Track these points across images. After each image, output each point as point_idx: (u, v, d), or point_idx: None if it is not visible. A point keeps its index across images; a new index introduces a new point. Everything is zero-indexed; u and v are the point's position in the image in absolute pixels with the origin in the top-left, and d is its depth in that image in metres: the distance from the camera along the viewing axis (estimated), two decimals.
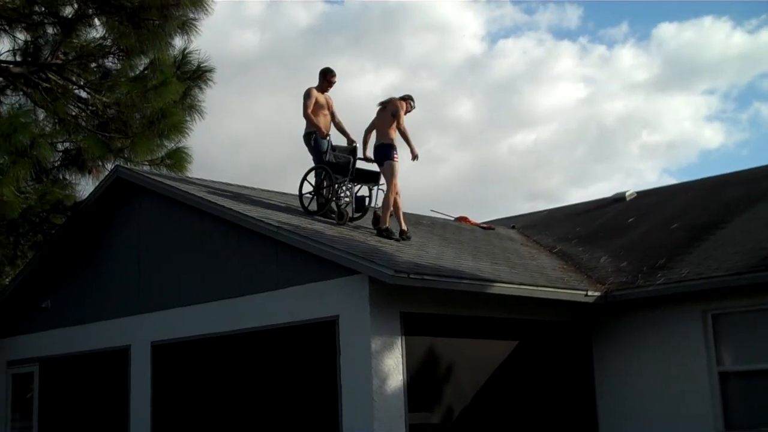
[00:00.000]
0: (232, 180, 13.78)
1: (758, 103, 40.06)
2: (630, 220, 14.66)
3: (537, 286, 10.84)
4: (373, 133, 11.81)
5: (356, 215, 11.91)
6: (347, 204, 11.82)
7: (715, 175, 15.99)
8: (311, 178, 12.07)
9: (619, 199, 16.41)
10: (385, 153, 11.57)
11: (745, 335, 10.82)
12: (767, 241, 11.13)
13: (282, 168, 36.72)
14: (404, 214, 11.88)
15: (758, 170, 15.12)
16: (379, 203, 11.77)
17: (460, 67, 41.57)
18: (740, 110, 40.76)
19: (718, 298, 10.76)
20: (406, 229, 11.49)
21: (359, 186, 12.03)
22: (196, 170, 15.45)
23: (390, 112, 11.65)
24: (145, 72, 15.27)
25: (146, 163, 15.50)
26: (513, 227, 16.23)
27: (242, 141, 39.87)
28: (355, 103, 34.09)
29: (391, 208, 11.42)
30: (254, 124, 39.82)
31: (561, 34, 42.69)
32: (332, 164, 11.80)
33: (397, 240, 11.16)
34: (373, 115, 11.89)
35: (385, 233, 11.20)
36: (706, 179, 16.12)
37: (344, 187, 11.84)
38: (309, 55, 40.90)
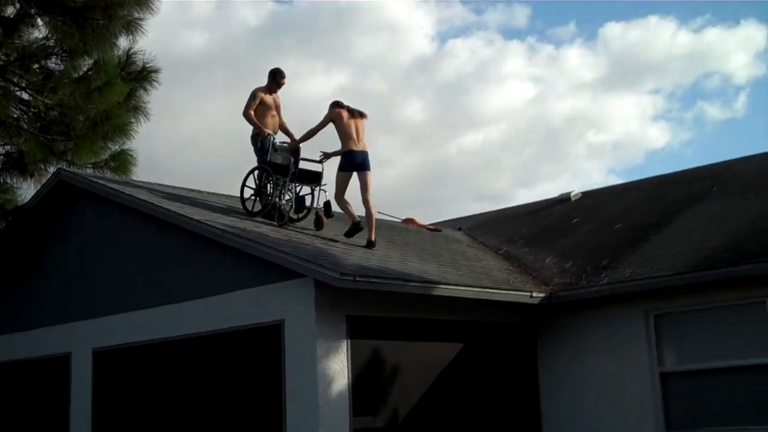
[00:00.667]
0: (180, 182, 13.67)
1: (702, 103, 40.79)
2: (575, 220, 14.80)
3: (482, 287, 10.90)
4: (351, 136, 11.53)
5: (298, 216, 11.88)
6: (289, 205, 11.78)
7: (658, 175, 16.21)
8: (251, 180, 12.02)
9: (564, 199, 16.56)
10: (368, 161, 11.52)
11: (686, 335, 10.97)
12: (708, 241, 11.30)
13: (231, 170, 36.49)
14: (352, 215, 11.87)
15: (700, 170, 15.35)
16: (320, 204, 11.83)
17: (409, 68, 41.71)
18: (685, 110, 41.48)
19: (660, 298, 10.90)
20: (374, 240, 11.43)
21: (301, 186, 11.99)
22: (144, 173, 15.33)
23: (363, 121, 11.59)
24: (89, 73, 15.09)
25: (90, 165, 15.32)
26: (459, 229, 16.30)
27: (191, 142, 39.55)
28: (304, 104, 34.01)
29: (346, 212, 11.51)
30: (203, 125, 39.53)
31: (510, 33, 43.07)
32: (273, 164, 11.75)
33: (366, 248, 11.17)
34: (324, 115, 11.70)
35: (371, 245, 11.22)
36: (649, 179, 16.33)
37: (286, 188, 11.78)
38: (258, 56, 40.77)
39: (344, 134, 11.42)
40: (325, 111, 11.67)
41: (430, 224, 16.23)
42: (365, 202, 11.32)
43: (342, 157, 11.46)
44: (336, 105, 11.62)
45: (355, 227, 11.28)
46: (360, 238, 11.36)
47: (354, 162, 11.37)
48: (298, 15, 42.78)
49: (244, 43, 41.99)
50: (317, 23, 41.39)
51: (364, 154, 11.45)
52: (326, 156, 11.83)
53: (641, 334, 11.06)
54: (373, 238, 11.30)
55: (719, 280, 10.35)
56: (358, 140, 11.44)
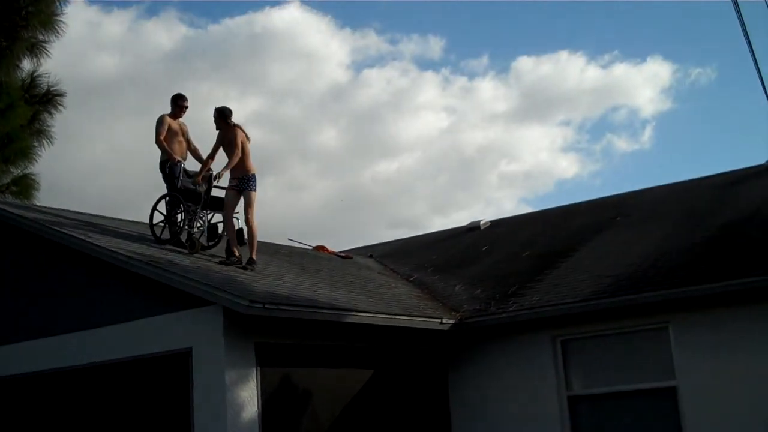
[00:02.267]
0: (87, 208, 13.35)
1: (610, 135, 41.89)
2: (484, 248, 14.99)
3: (392, 314, 10.92)
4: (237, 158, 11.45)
5: (209, 243, 11.71)
6: (201, 233, 11.62)
7: (564, 205, 16.58)
8: (162, 206, 11.81)
9: (473, 228, 16.78)
10: (254, 183, 11.43)
11: (592, 360, 11.18)
12: (612, 269, 11.58)
13: (141, 196, 35.87)
14: (261, 242, 11.76)
15: (604, 200, 15.77)
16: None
17: (324, 96, 41.79)
18: (594, 141, 42.52)
19: (567, 324, 11.09)
20: (255, 258, 11.31)
21: (212, 214, 11.83)
22: (53, 198, 15.00)
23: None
24: None
25: None
26: (371, 256, 16.33)
27: (100, 167, 38.74)
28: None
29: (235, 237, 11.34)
30: (112, 150, 38.76)
31: (424, 65, 43.52)
32: (184, 191, 11.58)
33: (243, 268, 11.01)
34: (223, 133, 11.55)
35: (251, 264, 11.09)
36: (555, 209, 16.69)
37: (197, 215, 11.62)
38: (171, 80, 40.25)
39: (246, 155, 11.37)
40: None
41: (341, 251, 16.22)
42: (251, 220, 11.22)
43: (251, 180, 11.37)
44: (228, 117, 11.45)
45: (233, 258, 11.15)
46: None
47: (255, 184, 11.38)
48: (212, 40, 42.52)
49: (156, 66, 41.49)
50: (232, 49, 41.22)
51: (251, 177, 11.44)
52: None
53: (549, 358, 11.22)
54: (254, 257, 11.20)
55: (623, 306, 10.59)
56: (249, 161, 11.45)
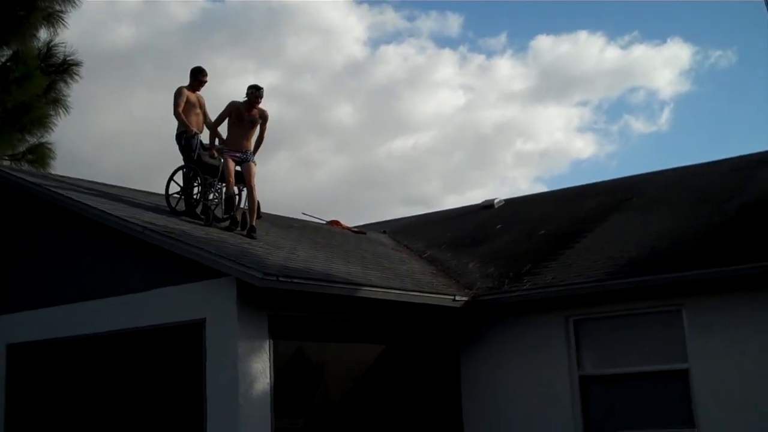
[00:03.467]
0: (104, 178, 13.39)
1: (628, 116, 41.66)
2: (498, 227, 14.97)
3: (406, 290, 10.93)
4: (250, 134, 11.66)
5: (225, 216, 11.73)
6: (216, 204, 11.63)
7: (579, 185, 16.51)
8: (179, 177, 11.83)
9: (487, 206, 16.75)
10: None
11: (604, 341, 11.18)
12: (625, 251, 11.54)
13: (155, 166, 35.93)
14: (275, 216, 11.78)
15: (619, 181, 15.71)
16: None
17: (341, 71, 41.65)
18: (611, 123, 42.29)
19: (580, 304, 11.09)
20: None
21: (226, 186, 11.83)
22: (67, 167, 15.02)
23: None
24: (8, 64, 14.71)
25: (6, 158, 14.91)
26: (384, 232, 16.33)
27: (116, 137, 38.78)
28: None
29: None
30: (128, 120, 38.78)
31: (442, 42, 43.28)
32: (201, 164, 11.59)
33: (248, 236, 11.09)
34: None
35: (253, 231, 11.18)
36: (570, 189, 16.63)
37: (213, 187, 11.63)
38: (187, 52, 40.18)
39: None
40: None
41: (355, 227, 16.22)
42: (253, 189, 11.39)
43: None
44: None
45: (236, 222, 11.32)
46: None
47: None
48: (230, 13, 42.37)
49: (173, 38, 41.43)
50: (249, 22, 41.10)
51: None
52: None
53: (561, 338, 11.23)
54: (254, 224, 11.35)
55: (637, 288, 10.57)
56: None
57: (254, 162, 11.57)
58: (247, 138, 11.62)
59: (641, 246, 11.57)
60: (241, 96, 11.62)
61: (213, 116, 12.01)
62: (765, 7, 8.03)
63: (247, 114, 11.56)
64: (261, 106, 11.64)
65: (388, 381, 11.05)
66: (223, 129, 11.79)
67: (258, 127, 11.68)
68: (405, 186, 41.67)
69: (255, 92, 11.54)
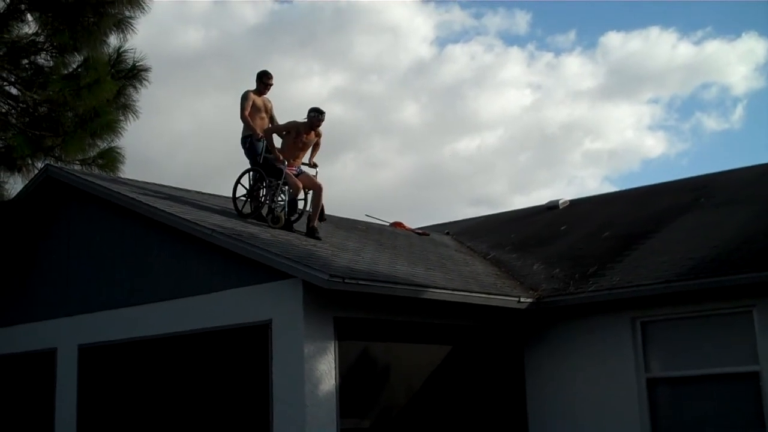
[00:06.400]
0: (171, 180, 13.63)
1: (700, 114, 40.93)
2: (562, 227, 14.85)
3: (470, 291, 10.92)
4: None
5: (291, 218, 11.85)
6: (282, 207, 11.76)
7: (646, 185, 16.31)
8: (245, 180, 11.99)
9: (552, 207, 16.63)
10: None
11: (672, 342, 11.02)
12: (695, 251, 11.36)
13: (223, 169, 36.36)
14: (339, 218, 11.87)
15: (688, 181, 15.47)
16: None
17: (407, 71, 41.66)
18: (682, 120, 41.57)
19: (647, 306, 10.95)
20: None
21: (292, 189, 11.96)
22: (136, 169, 15.30)
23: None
24: (79, 70, 14.99)
25: (77, 162, 15.19)
26: (447, 233, 16.32)
27: (184, 141, 39.39)
28: (302, 106, 33.89)
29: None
30: (197, 123, 39.32)
31: (510, 40, 43.04)
32: (266, 167, 11.73)
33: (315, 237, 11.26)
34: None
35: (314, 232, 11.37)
36: (636, 189, 16.44)
37: (279, 190, 11.77)
38: (256, 55, 40.60)
39: None
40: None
41: (418, 228, 16.24)
42: (320, 191, 11.71)
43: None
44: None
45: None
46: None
47: None
48: (298, 15, 42.66)
49: (241, 41, 41.84)
50: (316, 23, 41.33)
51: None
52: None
53: (628, 340, 11.10)
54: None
55: (706, 289, 10.41)
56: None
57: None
58: (300, 157, 11.88)
59: (710, 246, 11.37)
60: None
61: (279, 119, 12.16)
62: None
63: (305, 136, 11.77)
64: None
65: (454, 382, 11.05)
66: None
67: (308, 150, 11.98)
68: (471, 186, 41.53)
69: (317, 116, 11.73)
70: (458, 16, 42.86)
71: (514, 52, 42.79)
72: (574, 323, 11.56)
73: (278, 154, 11.73)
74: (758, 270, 10.08)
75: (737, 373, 10.41)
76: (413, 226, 16.19)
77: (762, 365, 10.17)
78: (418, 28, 41.49)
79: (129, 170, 15.60)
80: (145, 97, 15.84)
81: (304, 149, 11.90)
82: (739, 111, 39.70)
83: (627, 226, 13.70)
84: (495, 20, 42.66)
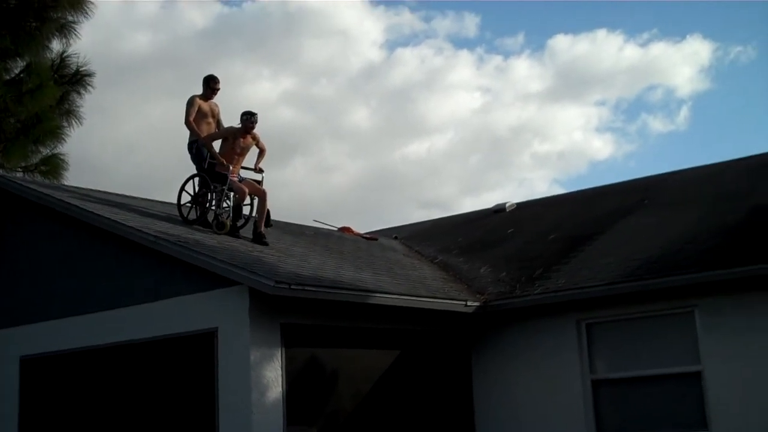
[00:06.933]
0: (122, 187, 13.47)
1: (646, 116, 41.46)
2: (509, 230, 14.95)
3: (417, 296, 10.94)
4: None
5: (236, 224, 11.78)
6: (227, 213, 11.68)
7: (591, 188, 16.48)
8: (190, 187, 11.90)
9: (499, 210, 16.73)
10: None
11: (617, 344, 11.15)
12: (639, 252, 11.51)
13: (174, 175, 36.05)
14: (286, 223, 11.83)
15: (632, 182, 15.65)
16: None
17: (357, 75, 41.67)
18: (629, 122, 42.08)
19: (592, 307, 11.06)
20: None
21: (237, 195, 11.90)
22: (84, 175, 15.16)
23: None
24: (21, 75, 14.82)
25: (20, 169, 15.01)
26: (396, 238, 16.34)
27: (134, 146, 38.90)
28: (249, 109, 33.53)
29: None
30: (145, 128, 38.90)
31: (459, 43, 43.20)
32: (211, 172, 11.65)
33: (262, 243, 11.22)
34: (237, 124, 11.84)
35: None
36: (582, 191, 16.60)
37: (224, 196, 11.69)
38: (204, 59, 40.21)
39: None
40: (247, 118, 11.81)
41: (368, 233, 16.24)
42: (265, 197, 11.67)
43: None
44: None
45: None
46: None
47: None
48: (246, 18, 42.40)
49: (190, 45, 41.45)
50: (265, 27, 41.14)
51: None
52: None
53: (573, 342, 11.21)
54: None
55: (649, 290, 10.55)
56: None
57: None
58: (239, 162, 11.88)
59: (654, 247, 11.53)
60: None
61: (228, 124, 12.10)
62: None
63: (242, 140, 11.73)
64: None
65: (401, 387, 11.06)
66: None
67: (247, 154, 11.93)
68: (422, 190, 41.62)
69: (250, 118, 11.72)
70: (408, 19, 42.99)
71: (464, 55, 43.04)
72: (520, 326, 11.64)
73: (221, 159, 11.66)
74: (698, 270, 10.25)
75: (680, 373, 10.55)
76: (364, 231, 16.20)
77: (704, 365, 10.32)
78: (368, 32, 41.57)
79: (77, 177, 15.48)
80: (92, 102, 15.71)
81: (242, 154, 11.86)
82: (684, 112, 40.35)
83: (573, 228, 13.84)
84: (444, 23, 42.87)
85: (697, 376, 10.37)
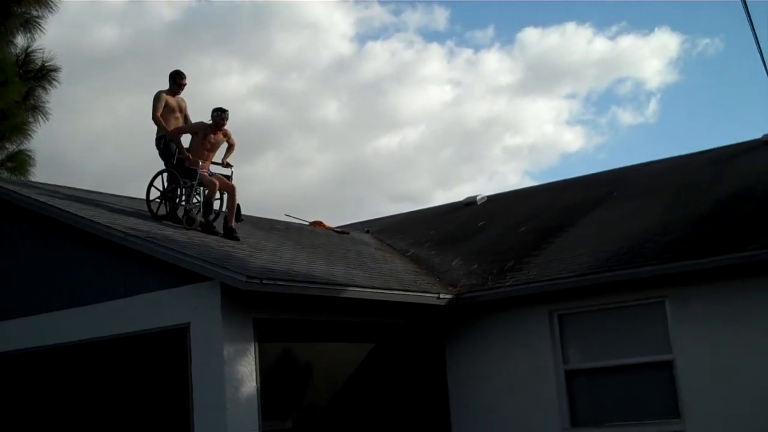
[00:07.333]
0: (90, 182, 13.37)
1: (615, 108, 41.78)
2: (480, 223, 15.00)
3: (390, 289, 10.94)
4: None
5: (207, 219, 11.70)
6: (198, 208, 11.60)
7: (561, 180, 16.59)
8: (159, 182, 11.80)
9: (470, 203, 16.79)
10: None
11: (589, 334, 11.22)
12: (609, 244, 11.59)
13: (143, 170, 35.71)
14: (258, 218, 11.77)
15: (602, 175, 15.80)
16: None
17: (327, 68, 41.59)
18: (599, 115, 42.38)
19: (564, 299, 11.13)
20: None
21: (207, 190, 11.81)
22: (52, 171, 15.00)
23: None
24: None
25: None
26: (367, 231, 16.33)
27: (102, 141, 38.55)
28: (222, 105, 33.31)
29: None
30: (113, 123, 38.54)
31: (429, 36, 43.27)
32: (180, 167, 11.57)
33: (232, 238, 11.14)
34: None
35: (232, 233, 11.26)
36: (553, 183, 16.71)
37: (193, 191, 11.61)
38: (173, 53, 39.94)
39: None
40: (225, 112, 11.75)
41: (340, 226, 16.22)
42: (234, 192, 11.58)
43: None
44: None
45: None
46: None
47: None
48: (215, 11, 42.20)
49: (158, 39, 41.16)
50: (234, 20, 40.92)
51: None
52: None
53: (546, 333, 11.26)
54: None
55: (620, 281, 10.62)
56: None
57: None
58: (209, 158, 11.76)
59: (623, 238, 11.62)
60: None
61: (197, 119, 12.01)
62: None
63: (213, 136, 11.65)
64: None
65: (376, 380, 11.06)
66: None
67: (217, 150, 11.85)
68: (393, 183, 41.71)
69: (221, 114, 11.63)
70: (377, 12, 43.00)
71: (434, 48, 43.13)
72: (493, 318, 11.68)
73: (188, 154, 11.57)
74: (668, 261, 10.33)
75: (652, 362, 10.64)
76: (336, 225, 16.18)
77: (675, 354, 10.42)
78: (338, 24, 41.53)
79: (44, 173, 15.32)
80: (59, 97, 15.57)
81: (213, 150, 11.77)
82: (653, 105, 40.72)
83: (544, 220, 13.91)
84: (414, 16, 42.92)
85: (668, 365, 10.46)
